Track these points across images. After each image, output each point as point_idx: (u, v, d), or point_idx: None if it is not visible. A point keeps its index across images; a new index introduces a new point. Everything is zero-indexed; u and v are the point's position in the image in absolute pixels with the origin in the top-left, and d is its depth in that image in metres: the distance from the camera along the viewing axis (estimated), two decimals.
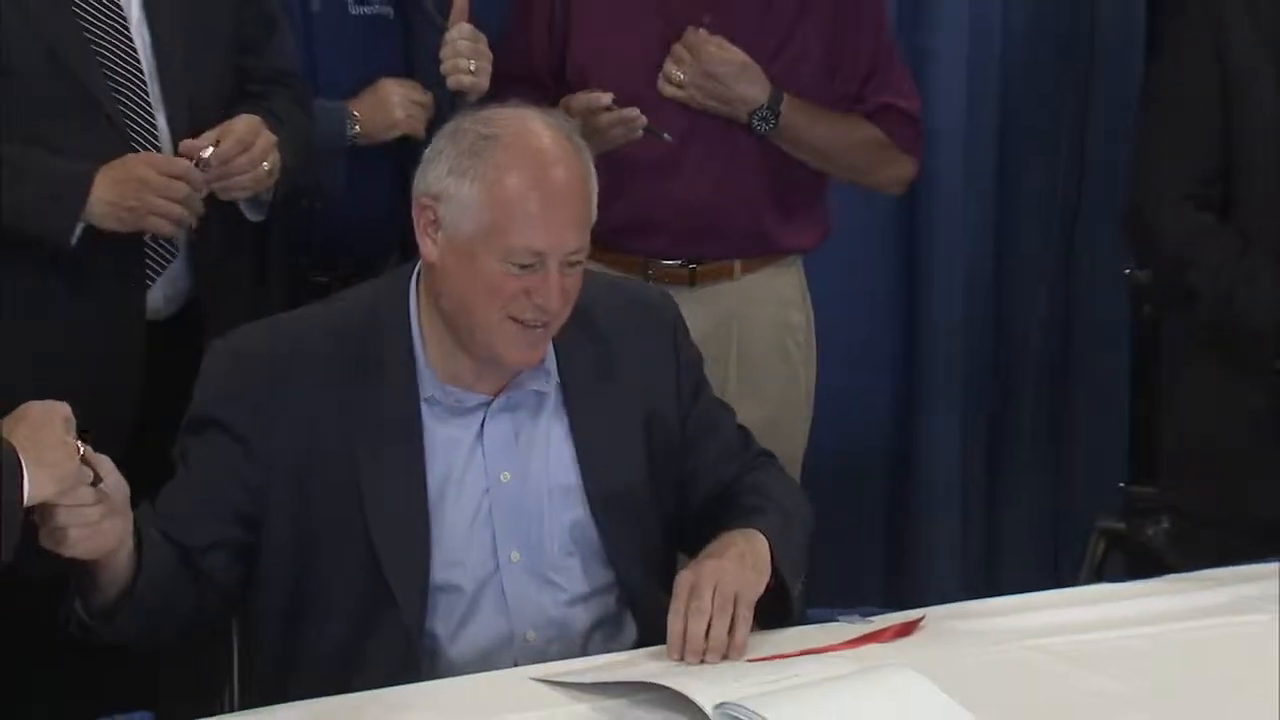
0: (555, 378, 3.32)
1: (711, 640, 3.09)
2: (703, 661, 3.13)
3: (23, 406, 2.87)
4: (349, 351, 3.27)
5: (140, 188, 3.60)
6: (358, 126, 4.09)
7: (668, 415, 3.42)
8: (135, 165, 3.65)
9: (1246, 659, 3.14)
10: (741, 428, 3.61)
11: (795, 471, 4.38)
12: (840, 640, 3.11)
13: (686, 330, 3.57)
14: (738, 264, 4.36)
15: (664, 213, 4.25)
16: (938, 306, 5.31)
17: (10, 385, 2.96)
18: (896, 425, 5.39)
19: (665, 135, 4.06)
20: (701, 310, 4.23)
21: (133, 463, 3.33)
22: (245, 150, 3.75)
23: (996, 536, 5.42)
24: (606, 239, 4.01)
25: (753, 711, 2.83)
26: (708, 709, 2.84)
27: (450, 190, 3.14)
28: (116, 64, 3.77)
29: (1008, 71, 5.34)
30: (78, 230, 3.63)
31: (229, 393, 3.25)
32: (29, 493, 2.75)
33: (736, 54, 4.17)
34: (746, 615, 3.14)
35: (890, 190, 4.73)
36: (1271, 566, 3.53)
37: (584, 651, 3.24)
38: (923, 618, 3.12)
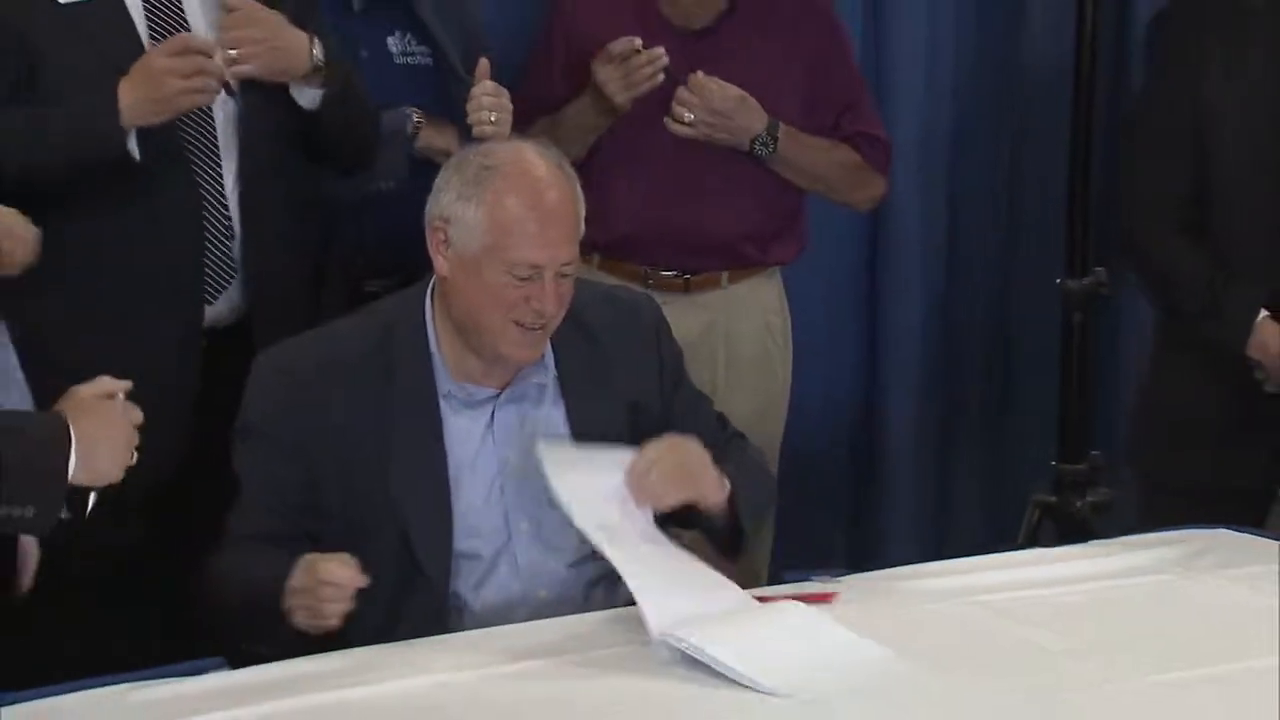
0: (553, 371, 3.40)
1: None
2: None
3: (71, 390, 2.87)
4: (375, 358, 3.36)
5: (162, 77, 3.55)
6: (418, 128, 4.12)
7: (651, 402, 3.50)
8: (150, 60, 3.59)
9: (1160, 613, 3.25)
10: (719, 415, 3.68)
11: (775, 451, 4.49)
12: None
13: (668, 329, 3.64)
14: (725, 275, 4.41)
15: (663, 232, 4.30)
16: (896, 310, 5.33)
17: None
18: (861, 414, 5.40)
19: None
20: (694, 314, 4.32)
21: (191, 456, 3.60)
22: (255, 24, 3.72)
23: (946, 507, 5.46)
24: (614, 252, 4.28)
25: (686, 640, 2.96)
26: (654, 635, 2.99)
27: (458, 214, 3.24)
28: None
29: (958, 107, 5.34)
30: (133, 138, 3.58)
31: (271, 404, 3.35)
32: (90, 469, 2.76)
33: (734, 90, 4.20)
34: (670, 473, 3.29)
35: (863, 207, 4.76)
36: (1185, 532, 3.64)
37: (587, 606, 3.34)
38: (838, 592, 3.20)
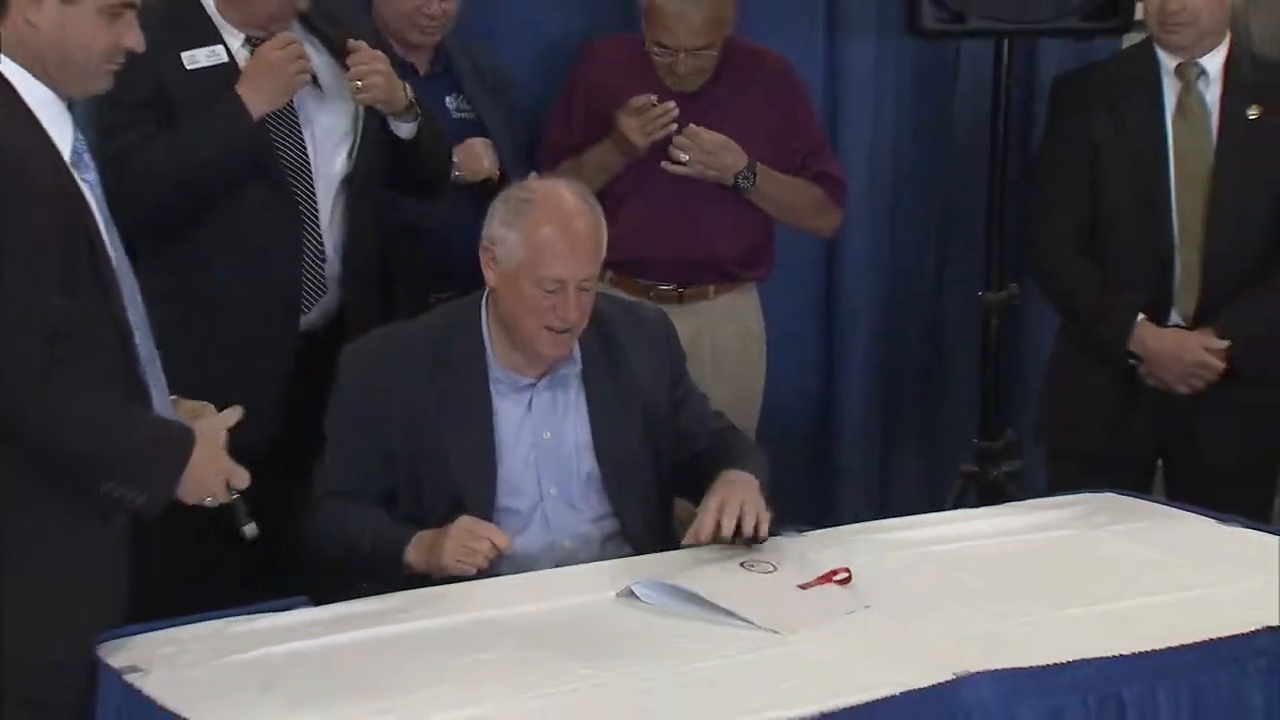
0: (579, 366, 3.41)
1: (744, 525, 3.23)
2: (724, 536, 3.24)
3: (201, 412, 2.88)
4: (439, 350, 3.40)
5: (282, 64, 3.59)
6: (458, 171, 4.13)
7: (660, 396, 3.50)
8: (266, 54, 3.62)
9: (1061, 561, 3.29)
10: (717, 412, 3.68)
11: (752, 432, 4.40)
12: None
13: (677, 338, 3.64)
14: (712, 289, 4.40)
15: (662, 253, 4.30)
16: (850, 319, 5.28)
17: (187, 387, 2.98)
18: (822, 402, 5.31)
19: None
20: (686, 321, 4.18)
21: (285, 435, 3.63)
22: (374, 60, 3.72)
23: (889, 476, 5.40)
24: (622, 270, 4.23)
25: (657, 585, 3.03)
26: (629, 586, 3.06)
27: (502, 236, 3.29)
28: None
29: (900, 156, 5.27)
30: (252, 125, 3.60)
31: (355, 382, 3.39)
32: (189, 487, 2.73)
33: (720, 136, 4.18)
34: (762, 512, 3.26)
35: (824, 234, 4.74)
36: (1081, 496, 3.65)
37: (602, 556, 3.38)
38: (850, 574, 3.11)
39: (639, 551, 3.39)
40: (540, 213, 3.31)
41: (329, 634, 2.83)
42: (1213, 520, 3.47)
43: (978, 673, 2.64)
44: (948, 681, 2.62)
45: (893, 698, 2.57)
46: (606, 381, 3.48)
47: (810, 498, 5.00)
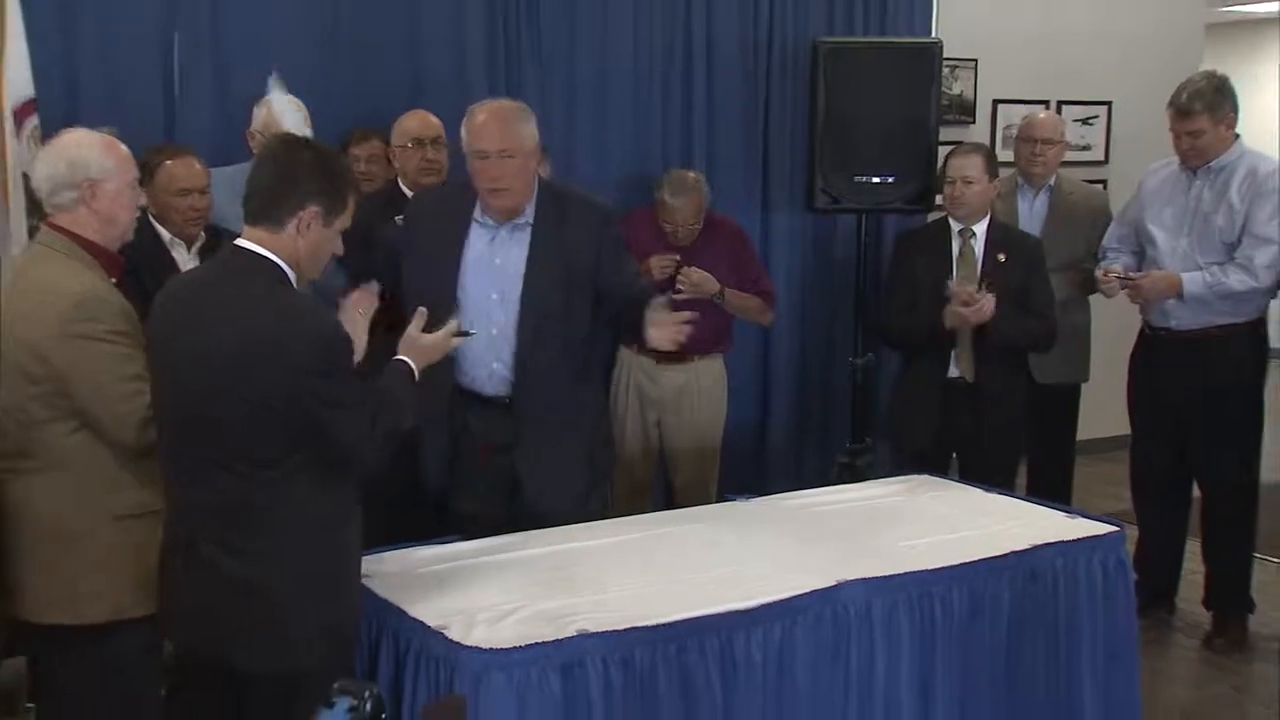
0: (531, 220, 3.03)
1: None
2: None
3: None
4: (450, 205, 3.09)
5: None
6: None
7: (586, 261, 3.03)
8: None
9: (896, 513, 3.18)
10: (637, 273, 3.23)
11: (718, 443, 4.27)
12: None
13: (614, 224, 3.18)
14: (697, 356, 4.16)
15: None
16: (778, 372, 5.10)
17: None
18: (758, 424, 5.09)
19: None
20: (672, 376, 4.16)
21: None
22: None
23: (799, 466, 5.12)
24: (641, 348, 3.90)
25: None
26: None
27: (462, 136, 2.99)
28: None
29: (805, 285, 5.13)
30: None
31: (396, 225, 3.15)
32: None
33: (704, 274, 4.00)
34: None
35: (765, 324, 4.51)
36: (908, 477, 3.50)
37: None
38: None
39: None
40: (473, 113, 3.02)
41: (474, 556, 2.76)
42: (982, 490, 3.42)
43: (851, 580, 2.64)
44: (833, 585, 2.61)
45: (801, 595, 2.56)
46: (547, 235, 3.03)
47: (751, 479, 4.83)
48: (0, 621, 2.60)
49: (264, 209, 2.26)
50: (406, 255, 3.11)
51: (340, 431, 2.24)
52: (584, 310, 3.08)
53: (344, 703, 1.45)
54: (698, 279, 4.05)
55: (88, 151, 2.52)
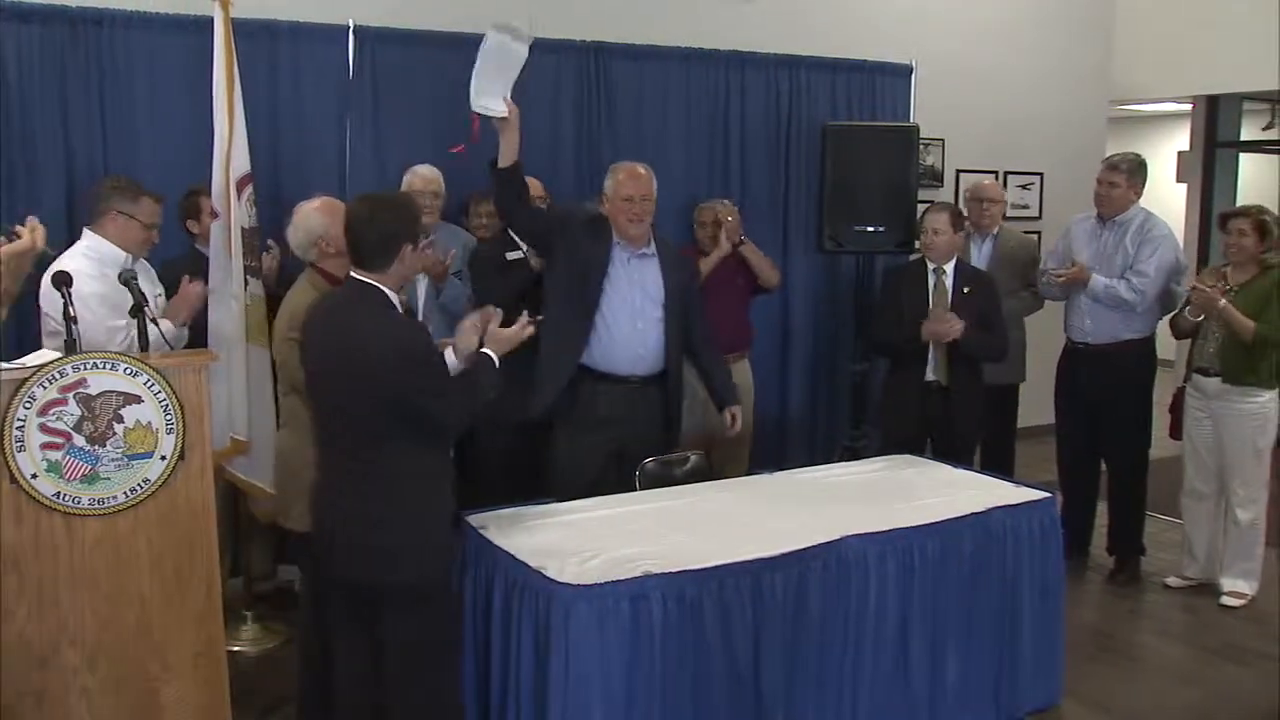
0: (654, 251, 3.11)
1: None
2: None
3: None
4: (594, 230, 3.10)
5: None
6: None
7: (685, 283, 3.17)
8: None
9: (885, 484, 3.13)
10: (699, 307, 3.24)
11: (749, 424, 3.99)
12: None
13: (696, 268, 3.37)
14: (731, 356, 3.90)
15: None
16: (795, 371, 4.97)
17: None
18: (780, 412, 4.95)
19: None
20: None
21: None
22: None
23: (812, 446, 4.99)
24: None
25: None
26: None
27: (606, 185, 3.08)
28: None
29: (817, 300, 4.97)
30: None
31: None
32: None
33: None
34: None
35: (773, 285, 4.22)
36: (895, 456, 3.44)
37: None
38: None
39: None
40: (616, 170, 3.09)
41: (570, 513, 2.73)
42: (949, 466, 3.35)
43: (851, 535, 2.60)
44: (837, 539, 2.58)
45: (813, 546, 2.53)
46: (666, 264, 3.14)
47: (774, 457, 4.73)
48: (274, 536, 2.73)
49: (373, 259, 2.28)
50: (567, 254, 3.09)
51: (435, 412, 2.25)
52: (684, 312, 3.19)
53: None
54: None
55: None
